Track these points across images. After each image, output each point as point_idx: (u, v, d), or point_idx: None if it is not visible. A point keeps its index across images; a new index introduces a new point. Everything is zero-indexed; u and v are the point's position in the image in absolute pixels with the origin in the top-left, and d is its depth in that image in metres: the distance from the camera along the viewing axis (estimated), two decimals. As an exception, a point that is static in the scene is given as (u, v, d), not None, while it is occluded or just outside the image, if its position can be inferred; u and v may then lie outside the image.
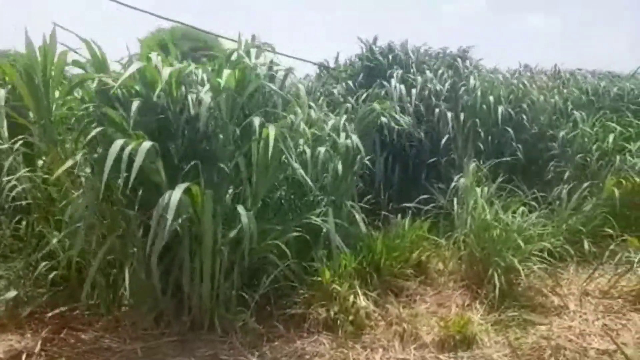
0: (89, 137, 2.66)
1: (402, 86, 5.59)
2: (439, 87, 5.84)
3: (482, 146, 5.32)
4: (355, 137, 4.01)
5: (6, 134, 3.56)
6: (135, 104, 2.80)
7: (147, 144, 2.61)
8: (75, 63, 3.05)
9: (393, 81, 5.67)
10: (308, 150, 3.60)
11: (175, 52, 3.13)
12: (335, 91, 5.81)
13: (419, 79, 5.73)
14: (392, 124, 4.82)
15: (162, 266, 3.15)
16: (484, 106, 5.49)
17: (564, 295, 3.78)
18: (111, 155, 2.52)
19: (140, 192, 2.96)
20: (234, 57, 3.42)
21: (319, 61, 7.40)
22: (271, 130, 3.00)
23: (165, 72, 2.82)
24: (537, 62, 7.84)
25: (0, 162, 3.53)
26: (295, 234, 3.56)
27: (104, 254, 2.94)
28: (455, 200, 4.67)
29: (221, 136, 3.11)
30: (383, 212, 4.98)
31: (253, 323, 3.25)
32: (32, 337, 3.20)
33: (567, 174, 5.41)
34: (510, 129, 5.43)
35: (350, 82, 5.96)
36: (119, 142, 2.58)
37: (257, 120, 3.13)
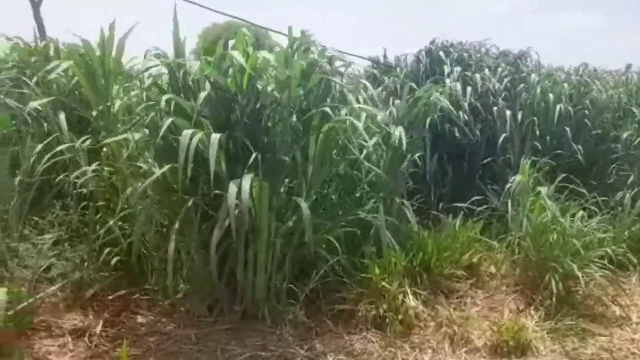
0: (164, 127, 2.74)
1: (459, 83, 5.46)
2: (497, 85, 5.66)
3: (539, 146, 5.12)
4: (400, 130, 3.94)
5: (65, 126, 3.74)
6: (203, 94, 2.88)
7: (217, 136, 2.68)
8: (155, 57, 3.15)
9: (449, 80, 5.55)
10: (369, 143, 3.59)
11: (248, 44, 3.16)
12: (389, 87, 5.74)
13: (477, 76, 5.57)
14: (446, 118, 4.71)
15: (218, 256, 3.24)
16: (543, 104, 5.28)
17: (625, 306, 3.61)
18: (183, 145, 2.60)
19: (200, 182, 3.04)
20: (298, 49, 3.43)
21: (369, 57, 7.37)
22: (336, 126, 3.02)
23: (251, 61, 2.87)
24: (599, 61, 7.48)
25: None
26: (345, 229, 3.58)
27: (174, 242, 3.02)
28: (509, 201, 4.56)
29: (280, 128, 3.14)
30: (432, 211, 4.93)
31: (302, 316, 3.29)
32: (94, 317, 3.37)
33: (631, 178, 5.14)
34: (568, 128, 5.20)
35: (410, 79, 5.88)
36: (188, 132, 2.65)
37: (318, 114, 3.15)
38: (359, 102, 3.95)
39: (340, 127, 3.37)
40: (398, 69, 6.35)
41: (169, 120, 2.76)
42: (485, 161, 5.58)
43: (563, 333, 3.24)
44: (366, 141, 3.69)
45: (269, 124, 3.14)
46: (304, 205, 2.99)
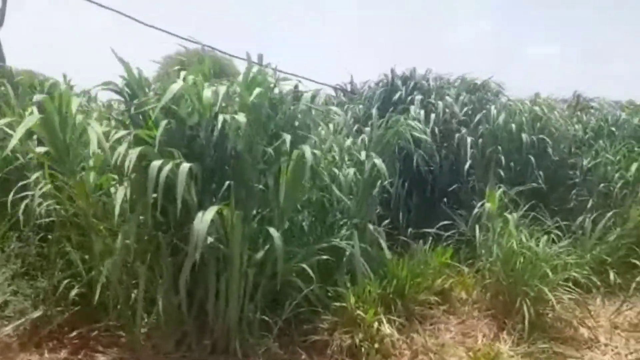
0: (131, 161, 2.61)
1: (422, 111, 5.57)
2: (459, 112, 5.81)
3: (502, 173, 5.24)
4: (379, 160, 3.96)
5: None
6: (163, 123, 2.79)
7: (186, 165, 2.59)
8: (111, 85, 3.03)
9: (413, 107, 5.66)
10: (342, 171, 3.57)
11: (208, 73, 3.11)
12: (354, 114, 5.80)
13: (440, 104, 5.71)
14: (412, 145, 4.77)
15: (187, 288, 3.10)
16: (505, 133, 5.45)
17: (593, 328, 3.67)
18: (151, 177, 2.50)
19: (169, 213, 2.93)
20: (257, 77, 3.40)
21: (334, 84, 7.46)
22: (307, 151, 2.97)
23: (207, 93, 2.81)
24: (553, 91, 7.80)
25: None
26: (318, 257, 3.51)
27: (144, 277, 2.87)
28: (477, 227, 4.63)
29: (248, 156, 3.08)
30: (401, 237, 4.93)
31: (276, 348, 3.18)
32: (50, 356, 3.14)
33: (590, 203, 5.32)
34: (531, 157, 5.37)
35: (368, 107, 5.96)
36: (156, 163, 2.55)
37: (287, 140, 3.10)
38: (329, 129, 3.95)
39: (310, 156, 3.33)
40: (361, 97, 6.44)
41: (136, 150, 2.64)
42: (450, 188, 5.68)
43: (536, 357, 3.25)
44: (337, 168, 3.67)
45: (238, 152, 3.06)
46: (276, 235, 2.92)
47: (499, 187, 4.47)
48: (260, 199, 3.23)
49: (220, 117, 2.87)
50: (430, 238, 4.73)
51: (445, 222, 4.99)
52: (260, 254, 3.16)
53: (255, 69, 3.22)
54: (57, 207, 3.22)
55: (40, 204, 3.28)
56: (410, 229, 5.25)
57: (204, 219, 2.57)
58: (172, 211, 2.84)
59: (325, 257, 3.56)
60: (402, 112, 5.53)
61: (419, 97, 5.87)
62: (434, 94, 6.10)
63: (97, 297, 3.35)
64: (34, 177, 3.31)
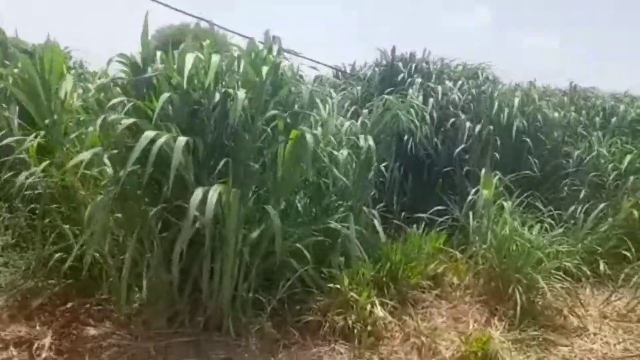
0: (120, 129, 2.56)
1: (421, 95, 5.53)
2: (457, 96, 5.77)
3: (498, 157, 5.24)
4: (372, 142, 3.93)
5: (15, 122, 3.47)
6: (164, 96, 2.72)
7: (183, 139, 2.53)
8: (122, 56, 2.94)
9: (411, 90, 5.61)
10: (338, 153, 3.53)
11: (211, 46, 3.03)
12: (352, 95, 5.74)
13: (439, 88, 5.66)
14: (411, 127, 4.73)
15: (181, 265, 3.07)
16: (502, 117, 5.42)
17: (582, 317, 3.72)
18: (139, 147, 2.44)
19: (162, 187, 2.87)
20: (261, 53, 3.32)
21: (334, 65, 7.37)
22: (307, 132, 2.93)
23: (213, 63, 2.73)
24: (551, 81, 7.79)
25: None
26: (313, 238, 3.50)
27: (130, 251, 2.82)
28: (471, 213, 4.64)
29: (247, 134, 3.02)
30: (395, 221, 4.93)
31: (269, 327, 3.17)
32: (42, 328, 3.11)
33: (582, 193, 5.35)
34: (528, 140, 5.37)
35: (367, 88, 5.89)
36: (149, 134, 2.49)
37: (285, 120, 3.05)
38: (325, 110, 3.90)
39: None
40: (359, 78, 6.37)
41: (128, 121, 2.58)
42: (444, 171, 5.67)
43: (527, 343, 3.28)
44: (334, 150, 3.64)
45: (237, 129, 3.01)
46: (274, 213, 2.89)
47: (495, 174, 4.45)
48: (257, 179, 3.18)
49: (225, 92, 2.79)
50: (424, 223, 4.76)
51: (439, 207, 5.00)
52: (255, 233, 3.13)
53: (260, 45, 3.14)
54: (48, 178, 3.15)
55: (30, 175, 3.21)
56: (404, 213, 5.27)
57: (210, 200, 2.51)
58: (165, 185, 2.80)
59: (320, 238, 3.54)
60: (401, 95, 5.49)
61: (419, 80, 5.81)
62: (433, 78, 6.05)
63: (85, 270, 3.33)
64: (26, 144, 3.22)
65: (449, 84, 5.95)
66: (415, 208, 5.25)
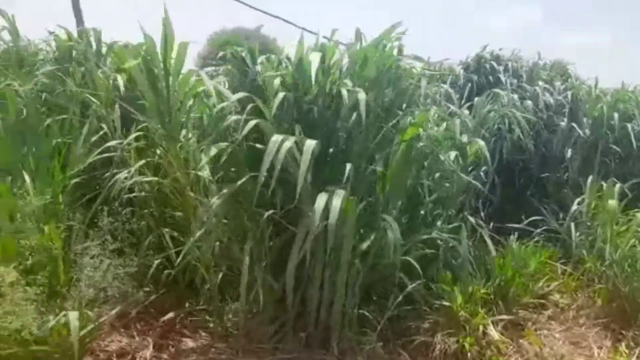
0: (244, 131, 2.40)
1: (516, 96, 5.16)
2: (553, 98, 5.36)
3: (612, 164, 4.80)
4: (482, 143, 3.63)
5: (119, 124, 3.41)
6: (280, 95, 2.55)
7: (312, 142, 2.35)
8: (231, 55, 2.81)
9: (504, 91, 5.23)
10: (446, 155, 3.29)
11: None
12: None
13: (537, 89, 5.27)
14: (517, 130, 4.39)
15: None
16: (612, 122, 4.97)
17: None
18: (270, 151, 2.27)
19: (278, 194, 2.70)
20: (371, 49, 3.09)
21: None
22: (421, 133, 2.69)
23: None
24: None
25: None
26: (420, 251, 3.25)
27: (247, 259, 2.67)
28: (572, 224, 4.26)
29: (361, 136, 2.81)
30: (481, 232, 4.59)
31: (379, 347, 2.93)
32: (140, 339, 3.01)
33: None
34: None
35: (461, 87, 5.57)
36: (277, 138, 2.32)
37: (403, 120, 2.82)
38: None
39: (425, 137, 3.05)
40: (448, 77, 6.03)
41: (252, 122, 2.41)
42: (538, 179, 5.28)
43: (668, 377, 2.90)
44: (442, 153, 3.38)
45: (352, 131, 2.80)
46: (393, 223, 2.66)
47: (613, 182, 4.04)
48: (368, 184, 2.97)
49: (338, 92, 2.58)
50: (516, 234, 4.40)
51: (536, 217, 4.63)
52: (365, 244, 2.91)
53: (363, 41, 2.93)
54: (152, 179, 3.05)
55: (132, 176, 3.13)
56: (492, 222, 4.92)
57: (334, 206, 2.32)
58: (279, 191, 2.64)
59: (425, 251, 3.29)
60: (493, 96, 5.15)
61: (512, 81, 5.44)
62: (525, 78, 5.66)
63: (186, 279, 3.24)
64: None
65: (542, 84, 5.54)
66: (504, 217, 4.89)
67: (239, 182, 2.53)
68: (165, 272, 3.16)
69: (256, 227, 2.71)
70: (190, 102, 3.16)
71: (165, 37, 2.80)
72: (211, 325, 3.17)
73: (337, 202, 2.35)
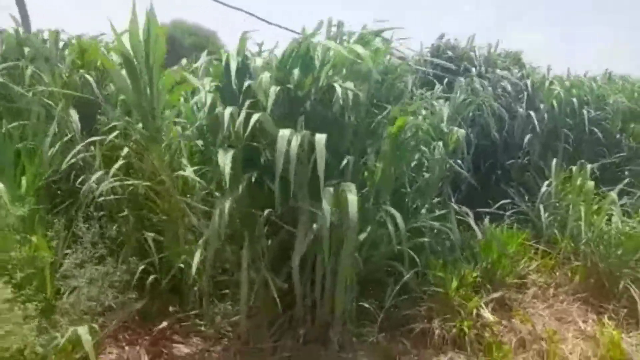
0: (251, 124, 2.27)
1: (476, 84, 5.27)
2: (510, 85, 5.53)
3: (568, 147, 5.01)
4: (462, 132, 3.68)
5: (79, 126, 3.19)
6: (273, 89, 2.45)
7: (322, 136, 2.26)
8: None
9: (464, 80, 5.34)
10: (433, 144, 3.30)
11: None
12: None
13: (496, 76, 5.42)
14: (489, 118, 4.49)
15: (286, 273, 2.82)
16: (567, 108, 5.19)
17: None
18: (280, 148, 2.17)
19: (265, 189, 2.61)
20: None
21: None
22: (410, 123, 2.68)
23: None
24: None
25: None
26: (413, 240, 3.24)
27: (246, 260, 2.56)
28: (541, 206, 4.42)
29: (356, 129, 2.76)
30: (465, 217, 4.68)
31: (380, 338, 2.91)
32: (131, 349, 2.83)
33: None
34: (598, 131, 5.14)
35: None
36: (285, 133, 2.21)
37: (393, 112, 2.79)
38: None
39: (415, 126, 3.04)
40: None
41: (256, 115, 2.29)
42: (501, 163, 5.43)
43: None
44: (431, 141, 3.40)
45: (345, 124, 2.74)
46: (397, 215, 2.64)
47: (583, 164, 4.21)
48: (360, 176, 2.93)
49: (337, 87, 2.51)
50: (487, 217, 4.51)
51: (506, 201, 4.77)
52: (363, 236, 2.87)
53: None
54: (134, 182, 2.86)
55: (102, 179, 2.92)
56: (461, 206, 5.02)
57: (350, 202, 2.25)
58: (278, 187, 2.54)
59: (417, 239, 3.29)
60: (451, 85, 5.23)
61: (473, 69, 5.56)
62: (483, 67, 5.80)
63: (170, 283, 3.08)
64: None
65: (500, 72, 5.70)
66: (472, 202, 5.00)
67: (242, 185, 2.39)
68: (151, 277, 2.98)
69: (251, 227, 2.60)
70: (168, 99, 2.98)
71: (148, 28, 2.61)
72: (203, 328, 3.04)
73: (352, 197, 2.29)
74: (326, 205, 2.25)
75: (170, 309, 3.20)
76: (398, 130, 2.88)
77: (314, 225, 2.46)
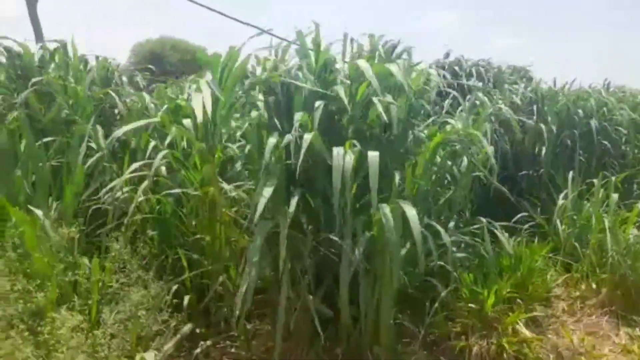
0: (305, 145, 2.20)
1: (486, 98, 5.31)
2: (519, 99, 5.58)
3: (582, 160, 5.05)
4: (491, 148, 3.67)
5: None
6: (318, 104, 2.41)
7: (375, 154, 2.23)
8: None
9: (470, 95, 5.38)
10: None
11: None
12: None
13: (508, 91, 5.47)
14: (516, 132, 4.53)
15: (322, 291, 2.76)
16: (576, 118, 5.25)
17: None
18: (337, 166, 2.13)
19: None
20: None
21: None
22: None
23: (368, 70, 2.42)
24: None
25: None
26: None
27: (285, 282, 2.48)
28: (557, 219, 4.42)
29: (392, 144, 2.73)
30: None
31: (422, 356, 2.85)
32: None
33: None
34: (607, 143, 5.20)
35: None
36: (340, 150, 2.18)
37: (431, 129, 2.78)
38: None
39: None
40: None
41: (309, 136, 2.22)
42: (510, 175, 5.45)
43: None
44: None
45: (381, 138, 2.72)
46: (444, 233, 2.60)
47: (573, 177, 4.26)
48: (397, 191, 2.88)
49: (376, 101, 2.48)
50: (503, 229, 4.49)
51: (523, 214, 4.77)
52: (403, 251, 2.83)
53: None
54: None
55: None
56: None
57: (412, 217, 2.21)
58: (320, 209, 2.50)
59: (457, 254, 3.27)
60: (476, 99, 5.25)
61: (479, 84, 5.61)
62: (491, 81, 5.87)
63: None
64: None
65: (507, 87, 5.77)
66: (485, 215, 5.00)
67: (292, 206, 2.33)
68: (186, 298, 2.89)
69: (294, 247, 2.54)
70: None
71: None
72: (233, 350, 2.95)
73: (412, 213, 2.25)
74: (389, 221, 2.20)
75: (204, 330, 3.12)
76: (436, 146, 2.86)
77: (357, 251, 2.39)
